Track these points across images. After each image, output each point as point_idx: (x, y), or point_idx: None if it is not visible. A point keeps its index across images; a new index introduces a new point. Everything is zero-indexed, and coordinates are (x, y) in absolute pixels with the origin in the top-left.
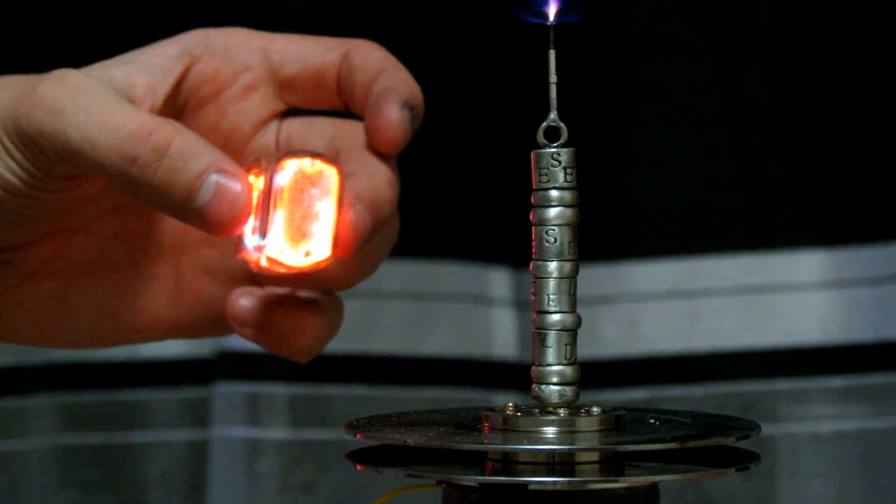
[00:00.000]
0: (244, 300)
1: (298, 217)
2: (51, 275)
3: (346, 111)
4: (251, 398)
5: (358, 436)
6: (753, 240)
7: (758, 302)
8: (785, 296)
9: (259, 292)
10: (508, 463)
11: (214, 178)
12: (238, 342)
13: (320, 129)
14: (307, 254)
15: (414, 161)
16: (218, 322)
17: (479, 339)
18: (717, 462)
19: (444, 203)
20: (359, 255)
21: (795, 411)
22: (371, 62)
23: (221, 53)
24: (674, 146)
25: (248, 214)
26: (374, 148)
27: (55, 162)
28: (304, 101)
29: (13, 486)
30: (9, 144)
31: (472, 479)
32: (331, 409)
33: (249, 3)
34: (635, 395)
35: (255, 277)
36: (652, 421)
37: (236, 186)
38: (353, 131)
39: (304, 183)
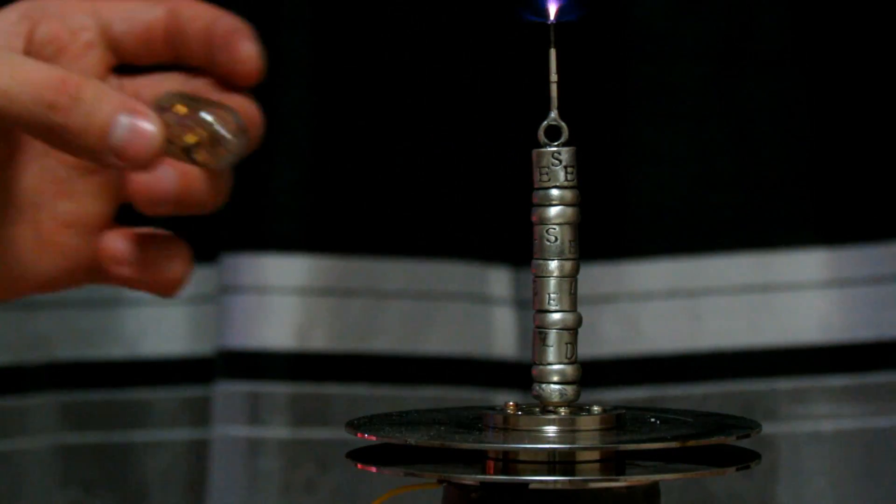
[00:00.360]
0: (117, 241)
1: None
2: None
3: (173, 64)
4: (252, 397)
5: (358, 435)
6: (754, 239)
7: (758, 301)
8: (785, 295)
9: (129, 231)
10: (509, 462)
11: (127, 118)
12: (238, 341)
13: (170, 81)
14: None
15: (414, 161)
16: (87, 272)
17: (479, 338)
18: (718, 461)
19: (445, 202)
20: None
21: (796, 410)
22: (202, 12)
23: (57, 16)
24: (674, 145)
25: (162, 152)
26: (235, 83)
27: None
28: (133, 56)
29: (14, 484)
30: None
31: (472, 479)
32: (331, 408)
33: (250, 3)
34: (636, 394)
35: (113, 222)
36: (652, 420)
37: (148, 125)
38: (197, 81)
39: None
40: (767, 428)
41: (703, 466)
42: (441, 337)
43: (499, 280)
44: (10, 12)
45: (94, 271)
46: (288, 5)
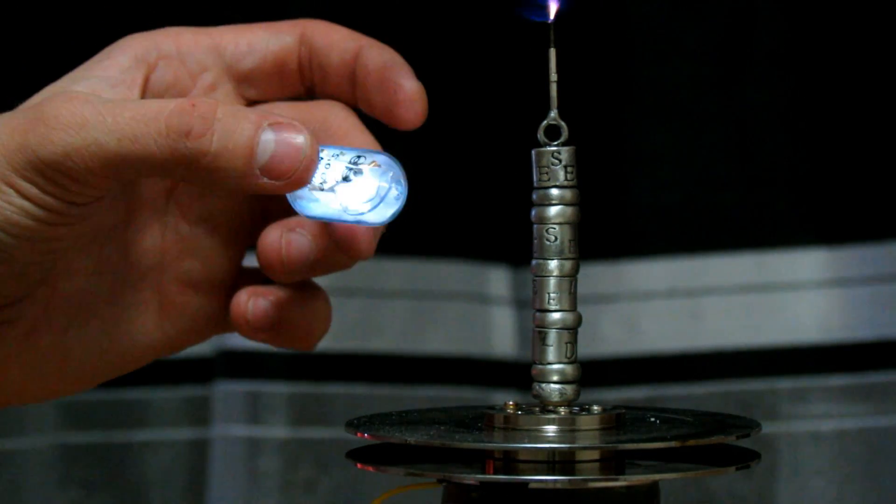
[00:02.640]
0: (255, 302)
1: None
2: (48, 325)
3: (307, 96)
4: (251, 397)
5: (358, 434)
6: (754, 238)
7: (758, 301)
8: (785, 294)
9: (268, 292)
10: (509, 461)
11: (271, 132)
12: (238, 341)
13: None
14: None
15: (414, 160)
16: (204, 330)
17: (478, 337)
18: (718, 461)
19: (444, 202)
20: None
21: (796, 410)
22: (338, 40)
23: (175, 57)
24: (674, 145)
25: (315, 161)
26: (392, 125)
27: (86, 182)
28: (265, 93)
29: (14, 484)
30: (21, 183)
31: (472, 478)
32: (331, 408)
33: (250, 3)
34: (636, 393)
35: (242, 279)
36: (652, 419)
37: (296, 135)
38: (324, 114)
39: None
40: (767, 428)
41: (703, 466)
42: (440, 336)
43: (498, 280)
44: (120, 55)
45: (222, 326)
46: (288, 5)
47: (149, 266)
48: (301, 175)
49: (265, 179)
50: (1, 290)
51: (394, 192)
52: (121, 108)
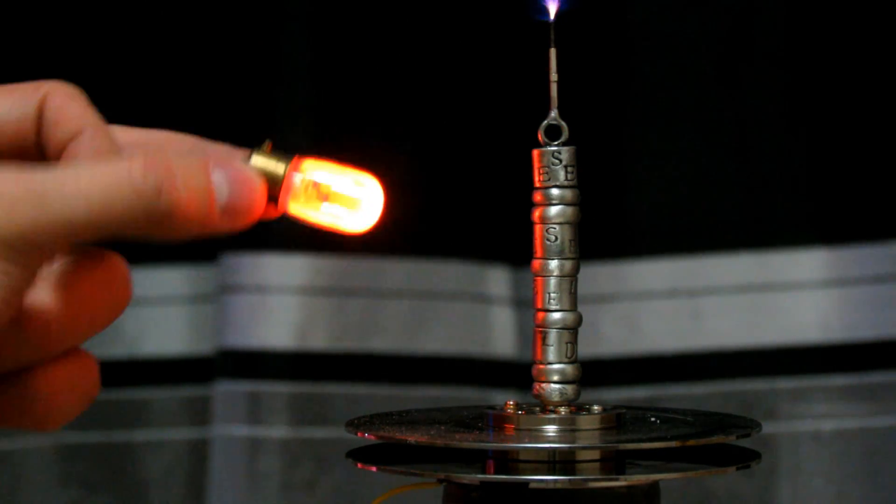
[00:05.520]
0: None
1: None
2: None
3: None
4: (252, 397)
5: (359, 434)
6: (754, 238)
7: (758, 300)
8: (786, 294)
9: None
10: (509, 461)
11: (219, 173)
12: (238, 341)
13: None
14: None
15: (413, 160)
16: None
17: (478, 337)
18: (718, 460)
19: (444, 202)
20: None
21: (796, 410)
22: (71, 116)
23: None
24: (675, 145)
25: (263, 194)
26: None
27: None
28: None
29: (14, 484)
30: None
31: (472, 478)
32: (331, 408)
33: (250, 3)
34: (636, 393)
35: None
36: (653, 419)
37: (242, 168)
38: (164, 136)
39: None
40: (767, 428)
41: (703, 466)
42: (440, 336)
43: (498, 280)
44: None
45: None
46: (288, 5)
47: None
48: (257, 210)
49: (225, 220)
50: None
51: (371, 203)
52: (60, 181)
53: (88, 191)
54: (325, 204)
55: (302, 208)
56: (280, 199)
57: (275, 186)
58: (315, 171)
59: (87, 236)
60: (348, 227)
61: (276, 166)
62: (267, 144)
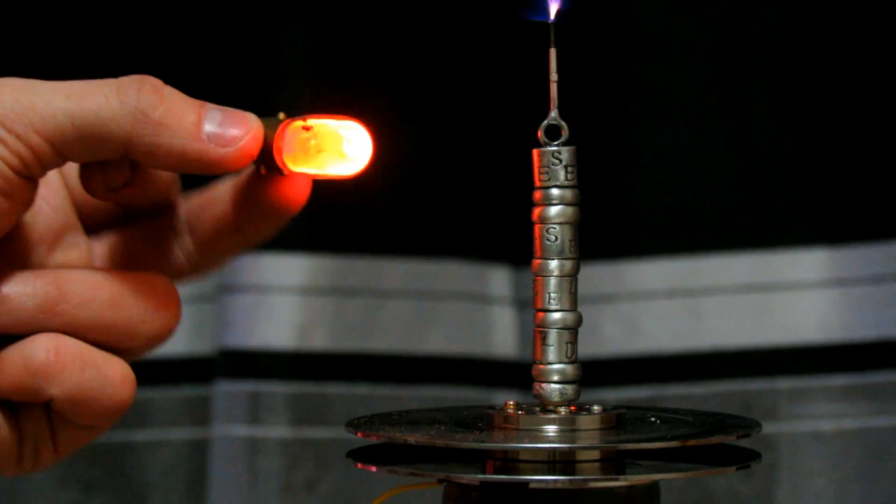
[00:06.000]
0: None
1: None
2: None
3: None
4: (252, 397)
5: (359, 434)
6: (754, 238)
7: (758, 300)
8: (786, 294)
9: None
10: (509, 461)
11: (214, 109)
12: (238, 341)
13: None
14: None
15: (414, 160)
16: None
17: (479, 337)
18: (718, 460)
19: (444, 202)
20: None
21: (796, 410)
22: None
23: None
24: (674, 145)
25: (261, 137)
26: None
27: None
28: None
29: (14, 484)
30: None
31: (472, 478)
32: (331, 408)
33: (250, 3)
34: (636, 393)
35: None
36: (653, 419)
37: (236, 110)
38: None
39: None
40: (767, 428)
41: (703, 466)
42: (441, 336)
43: (498, 279)
44: None
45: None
46: (289, 5)
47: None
48: (248, 145)
49: (212, 145)
50: None
51: (360, 144)
52: (66, 88)
53: (71, 84)
54: (315, 146)
55: (296, 159)
56: (275, 150)
57: (271, 143)
58: (305, 120)
59: (69, 123)
60: (341, 172)
61: (273, 124)
62: (280, 115)
